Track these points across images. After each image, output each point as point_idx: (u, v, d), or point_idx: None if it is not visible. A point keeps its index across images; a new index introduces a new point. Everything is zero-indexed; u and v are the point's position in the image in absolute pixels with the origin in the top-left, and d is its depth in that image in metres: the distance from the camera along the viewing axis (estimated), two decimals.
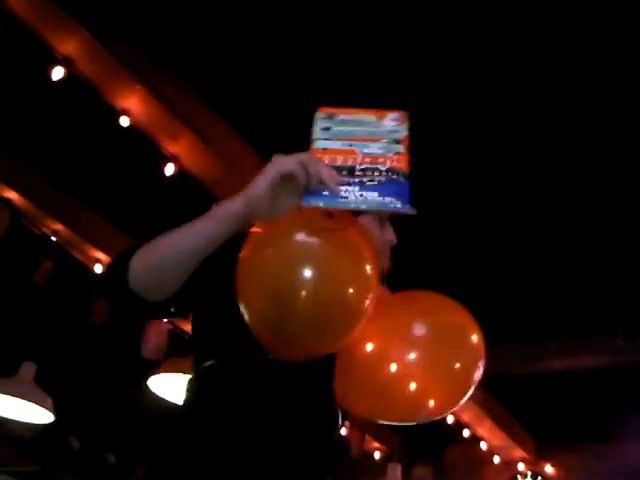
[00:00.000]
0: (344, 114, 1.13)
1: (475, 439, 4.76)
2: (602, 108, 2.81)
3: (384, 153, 1.06)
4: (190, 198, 3.12)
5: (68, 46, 2.44)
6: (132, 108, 2.65)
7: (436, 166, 2.85)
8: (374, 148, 1.06)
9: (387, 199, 0.99)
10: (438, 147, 2.93)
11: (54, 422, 3.64)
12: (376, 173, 1.03)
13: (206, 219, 1.09)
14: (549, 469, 5.05)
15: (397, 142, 1.08)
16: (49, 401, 3.42)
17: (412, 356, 1.19)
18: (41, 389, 3.43)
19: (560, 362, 4.35)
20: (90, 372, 4.38)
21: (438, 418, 1.24)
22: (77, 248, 3.54)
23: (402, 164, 1.04)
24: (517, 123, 2.93)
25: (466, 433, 4.62)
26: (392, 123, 1.10)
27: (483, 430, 4.70)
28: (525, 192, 3.26)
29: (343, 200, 1.00)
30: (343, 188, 1.00)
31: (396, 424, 1.30)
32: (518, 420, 4.87)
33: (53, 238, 3.42)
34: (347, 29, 2.61)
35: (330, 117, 1.13)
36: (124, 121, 2.65)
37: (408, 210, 0.99)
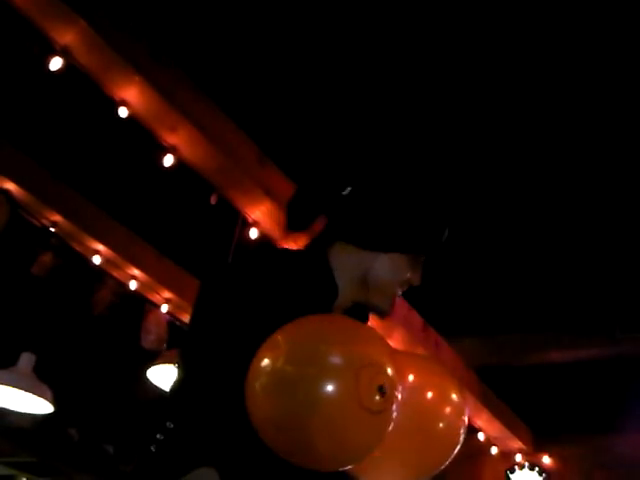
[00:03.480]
0: None
1: (472, 430, 4.77)
2: (602, 116, 2.81)
3: None
4: (189, 189, 3.12)
5: (66, 37, 2.43)
6: (131, 99, 2.64)
7: (440, 161, 2.85)
8: None
9: None
10: (444, 145, 2.94)
11: (53, 413, 3.65)
12: None
13: None
14: (547, 460, 5.07)
15: None
16: (48, 392, 3.43)
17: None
18: (40, 380, 3.44)
19: (558, 354, 4.37)
20: (89, 363, 4.39)
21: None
22: (76, 239, 3.55)
23: None
24: (514, 119, 2.93)
25: None
26: None
27: (481, 421, 4.71)
28: (527, 186, 3.27)
29: None
30: None
31: None
32: (516, 411, 4.89)
33: (52, 229, 3.43)
34: (344, 22, 2.61)
35: None
36: (123, 112, 2.65)
37: None
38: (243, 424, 1.01)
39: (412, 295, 3.93)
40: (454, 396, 1.13)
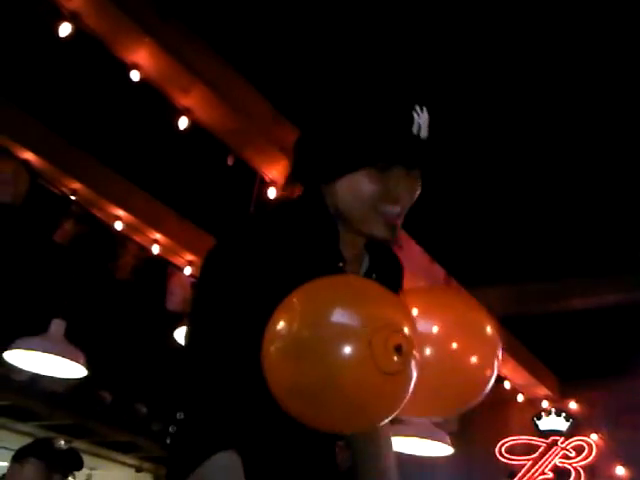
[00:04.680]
0: None
1: (498, 379, 4.77)
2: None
3: None
4: (205, 150, 3.12)
5: (74, 1, 2.41)
6: (142, 62, 2.62)
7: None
8: None
9: None
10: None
11: (85, 377, 3.74)
12: None
13: None
14: (573, 405, 5.10)
15: None
16: (81, 356, 3.51)
17: (427, 352, 1.10)
18: (72, 345, 3.51)
19: (581, 300, 4.35)
20: (118, 327, 4.47)
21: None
22: (97, 206, 3.58)
23: None
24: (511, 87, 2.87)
25: None
26: None
27: (506, 370, 4.74)
28: (550, 126, 3.21)
29: None
30: None
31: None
32: (541, 358, 4.90)
33: (72, 197, 3.46)
34: None
35: None
36: (135, 75, 2.64)
37: None
38: (260, 392, 0.98)
39: (434, 246, 3.90)
40: (488, 330, 1.13)
